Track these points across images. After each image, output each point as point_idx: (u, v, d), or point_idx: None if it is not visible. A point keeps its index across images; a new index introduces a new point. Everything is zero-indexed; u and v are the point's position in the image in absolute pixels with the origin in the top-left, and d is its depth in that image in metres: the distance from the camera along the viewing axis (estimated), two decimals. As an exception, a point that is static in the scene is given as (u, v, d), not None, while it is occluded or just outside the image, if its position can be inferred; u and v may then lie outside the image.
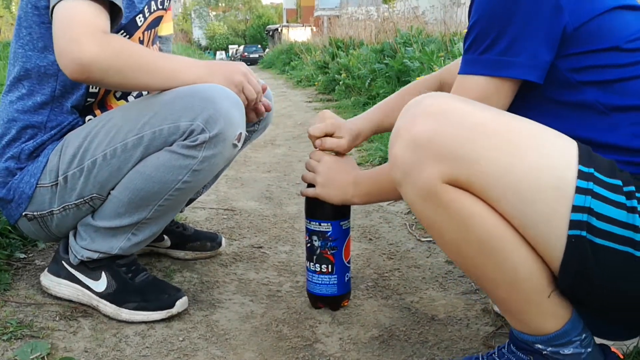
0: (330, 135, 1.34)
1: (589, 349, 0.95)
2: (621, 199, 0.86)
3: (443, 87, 1.44)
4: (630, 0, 0.98)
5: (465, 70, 1.00)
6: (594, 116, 0.96)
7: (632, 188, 0.87)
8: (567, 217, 0.85)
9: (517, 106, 0.99)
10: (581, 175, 0.86)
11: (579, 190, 0.85)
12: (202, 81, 1.24)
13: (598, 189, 0.86)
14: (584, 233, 0.85)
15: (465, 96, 0.96)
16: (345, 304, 1.42)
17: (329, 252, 1.34)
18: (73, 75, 1.12)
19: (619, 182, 0.87)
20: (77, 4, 1.13)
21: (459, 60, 1.46)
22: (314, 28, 22.62)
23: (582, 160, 0.87)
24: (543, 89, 0.98)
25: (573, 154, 0.88)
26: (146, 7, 1.36)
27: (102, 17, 1.15)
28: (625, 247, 0.85)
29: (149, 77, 1.21)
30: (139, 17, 1.35)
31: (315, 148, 1.35)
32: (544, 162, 0.87)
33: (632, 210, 0.85)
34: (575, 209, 0.85)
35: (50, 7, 1.14)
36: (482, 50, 0.96)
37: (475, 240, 0.90)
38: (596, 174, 0.87)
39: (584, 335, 0.95)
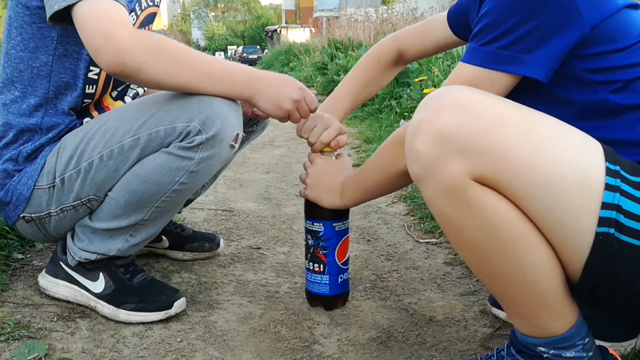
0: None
1: (590, 353, 0.95)
2: None
3: (402, 56, 1.46)
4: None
5: (465, 58, 0.99)
6: (609, 114, 0.96)
7: None
8: (595, 214, 0.84)
9: (526, 104, 0.96)
10: (609, 172, 0.85)
11: (608, 187, 0.84)
12: (244, 98, 1.23)
13: (625, 187, 0.85)
14: (612, 230, 0.84)
15: (457, 83, 0.96)
16: (341, 304, 1.42)
17: (320, 252, 1.34)
18: (110, 69, 1.10)
19: None
20: (101, 1, 1.11)
21: (414, 26, 1.48)
22: (313, 29, 22.66)
23: (608, 158, 0.86)
24: (555, 88, 0.97)
25: (599, 151, 0.87)
26: (137, 5, 1.36)
27: (127, 14, 1.14)
28: None
29: (189, 74, 1.17)
30: (131, 16, 1.34)
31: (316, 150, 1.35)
32: (570, 157, 0.86)
33: None
34: (605, 205, 0.84)
35: (53, 10, 1.12)
36: (488, 40, 0.95)
37: (497, 239, 0.88)
38: (622, 172, 0.86)
39: (587, 340, 0.95)
